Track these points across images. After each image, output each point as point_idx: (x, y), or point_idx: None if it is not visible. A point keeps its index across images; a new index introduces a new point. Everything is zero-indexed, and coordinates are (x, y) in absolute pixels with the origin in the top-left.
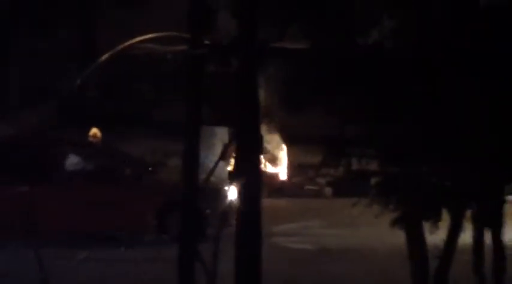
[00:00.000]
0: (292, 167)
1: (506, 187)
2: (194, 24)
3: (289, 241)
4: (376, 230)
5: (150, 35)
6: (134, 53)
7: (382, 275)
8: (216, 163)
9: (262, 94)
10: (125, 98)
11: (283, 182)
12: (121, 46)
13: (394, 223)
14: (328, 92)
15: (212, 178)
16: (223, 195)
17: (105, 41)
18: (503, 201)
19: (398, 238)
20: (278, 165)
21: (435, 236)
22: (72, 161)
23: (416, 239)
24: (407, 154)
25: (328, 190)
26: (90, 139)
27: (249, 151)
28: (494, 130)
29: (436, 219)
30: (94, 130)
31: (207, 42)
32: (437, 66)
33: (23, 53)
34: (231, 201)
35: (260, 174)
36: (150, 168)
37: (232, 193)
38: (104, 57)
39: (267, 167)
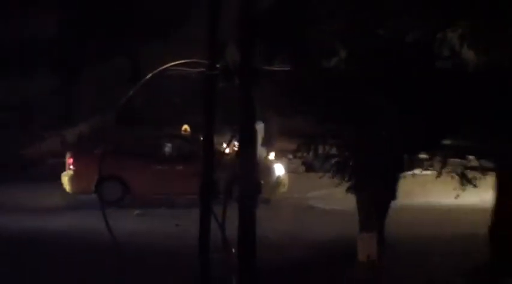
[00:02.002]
0: (278, 152)
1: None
2: (210, 54)
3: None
4: None
5: (179, 61)
6: (168, 74)
7: None
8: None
9: (257, 102)
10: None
11: None
12: (159, 69)
13: (348, 189)
14: (303, 102)
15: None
16: (273, 170)
17: (148, 66)
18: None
19: None
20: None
21: None
22: (174, 147)
23: (363, 201)
24: (355, 144)
25: (302, 168)
26: (183, 132)
27: (246, 142)
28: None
29: (373, 186)
30: (185, 126)
31: (218, 66)
32: (372, 86)
33: (91, 76)
34: (278, 175)
35: (255, 157)
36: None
37: (279, 169)
38: (147, 77)
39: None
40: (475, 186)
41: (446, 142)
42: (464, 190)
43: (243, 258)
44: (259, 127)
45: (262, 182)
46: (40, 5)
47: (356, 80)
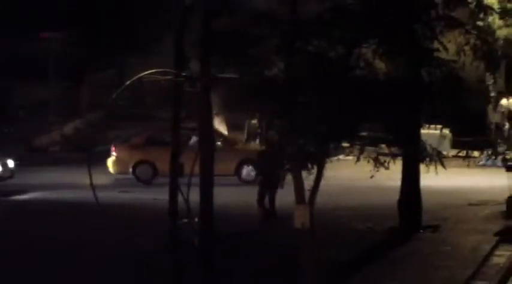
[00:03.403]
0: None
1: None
2: (177, 65)
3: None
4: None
5: (153, 70)
6: (144, 80)
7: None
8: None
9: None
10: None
11: None
12: (136, 76)
13: (287, 170)
14: (248, 101)
15: None
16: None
17: (131, 74)
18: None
19: None
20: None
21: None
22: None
23: (298, 180)
24: (289, 134)
25: None
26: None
27: (206, 135)
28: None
29: (306, 169)
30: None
31: (184, 74)
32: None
33: (89, 83)
34: None
35: (213, 147)
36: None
37: None
38: (128, 82)
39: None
40: (386, 168)
41: (363, 133)
42: (377, 171)
43: (204, 224)
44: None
45: None
46: (49, 26)
47: (291, 85)
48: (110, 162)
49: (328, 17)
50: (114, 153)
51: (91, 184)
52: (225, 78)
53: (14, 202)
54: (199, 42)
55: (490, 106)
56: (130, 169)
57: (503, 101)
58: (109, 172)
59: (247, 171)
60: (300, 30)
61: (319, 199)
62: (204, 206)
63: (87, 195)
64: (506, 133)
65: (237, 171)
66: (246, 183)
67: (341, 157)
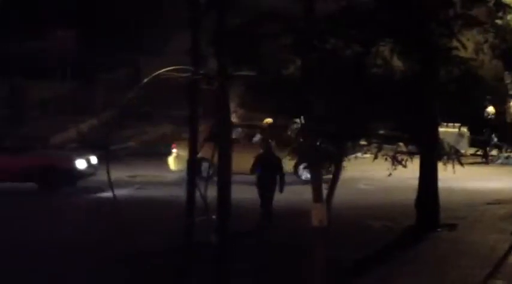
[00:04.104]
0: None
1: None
2: (194, 62)
3: None
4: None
5: (171, 67)
6: (162, 78)
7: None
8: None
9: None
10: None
11: None
12: (154, 74)
13: (304, 168)
14: (264, 99)
15: None
16: None
17: (148, 74)
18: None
19: None
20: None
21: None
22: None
23: (317, 177)
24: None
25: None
26: (264, 125)
27: (223, 133)
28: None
29: (323, 167)
30: (267, 120)
31: (201, 72)
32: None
33: (104, 81)
34: None
35: (230, 145)
36: None
37: None
38: (145, 80)
39: None
40: (404, 166)
41: (381, 131)
42: (395, 169)
43: (221, 220)
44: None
45: None
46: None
47: (307, 83)
48: (171, 159)
49: (343, 17)
50: (174, 150)
51: (109, 181)
52: (241, 76)
53: (106, 200)
54: (215, 39)
55: (509, 105)
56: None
57: None
58: (169, 169)
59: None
60: (316, 28)
61: (337, 197)
62: (221, 205)
63: (176, 192)
64: None
65: (296, 170)
66: (305, 182)
67: (359, 155)
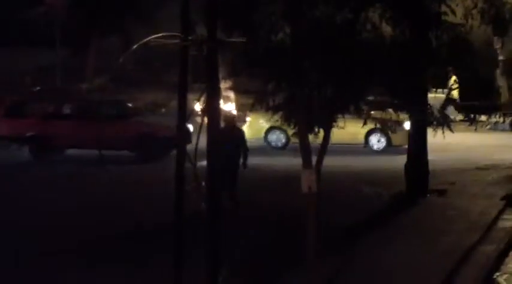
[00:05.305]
0: (238, 105)
1: None
2: (183, 29)
3: None
4: None
5: (160, 34)
6: (152, 44)
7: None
8: None
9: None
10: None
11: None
12: (144, 40)
13: (293, 135)
14: (254, 66)
15: None
16: None
17: (138, 40)
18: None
19: None
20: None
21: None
22: None
23: (304, 145)
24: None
25: None
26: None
27: (213, 96)
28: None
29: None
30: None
31: (190, 38)
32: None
33: (96, 47)
34: None
35: (219, 109)
36: None
37: None
38: (134, 46)
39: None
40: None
41: (370, 98)
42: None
43: (211, 189)
44: None
45: None
46: None
47: (297, 50)
48: (246, 127)
49: None
50: (248, 119)
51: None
52: (231, 42)
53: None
54: (206, 4)
55: (498, 71)
56: (263, 135)
57: None
58: None
59: (376, 139)
60: None
61: (326, 163)
62: (210, 171)
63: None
64: None
65: (367, 140)
66: (377, 152)
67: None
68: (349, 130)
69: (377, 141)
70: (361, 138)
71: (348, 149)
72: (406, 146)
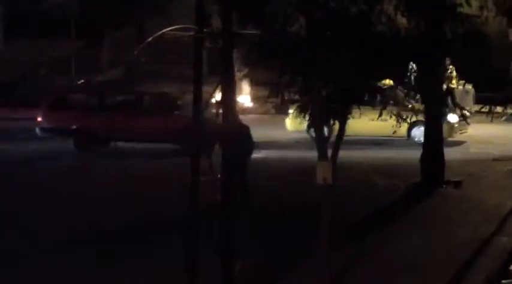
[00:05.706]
0: (254, 98)
1: None
2: (198, 21)
3: None
4: None
5: (175, 27)
6: (167, 37)
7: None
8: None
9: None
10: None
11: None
12: (159, 33)
13: (308, 127)
14: (269, 57)
15: None
16: None
17: (152, 33)
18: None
19: None
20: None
21: None
22: None
23: (320, 136)
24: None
25: (272, 110)
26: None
27: (227, 88)
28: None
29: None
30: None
31: (205, 30)
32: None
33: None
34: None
35: (235, 100)
36: None
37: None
38: (149, 39)
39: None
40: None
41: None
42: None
43: (225, 181)
44: None
45: None
46: None
47: (312, 41)
48: (288, 120)
49: None
50: (291, 111)
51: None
52: (246, 34)
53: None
54: None
55: None
56: (305, 127)
57: None
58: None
59: (420, 132)
60: None
61: (342, 154)
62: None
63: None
64: None
65: (409, 133)
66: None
67: None
68: (391, 122)
69: (420, 134)
70: (403, 130)
71: (389, 142)
72: (450, 139)
